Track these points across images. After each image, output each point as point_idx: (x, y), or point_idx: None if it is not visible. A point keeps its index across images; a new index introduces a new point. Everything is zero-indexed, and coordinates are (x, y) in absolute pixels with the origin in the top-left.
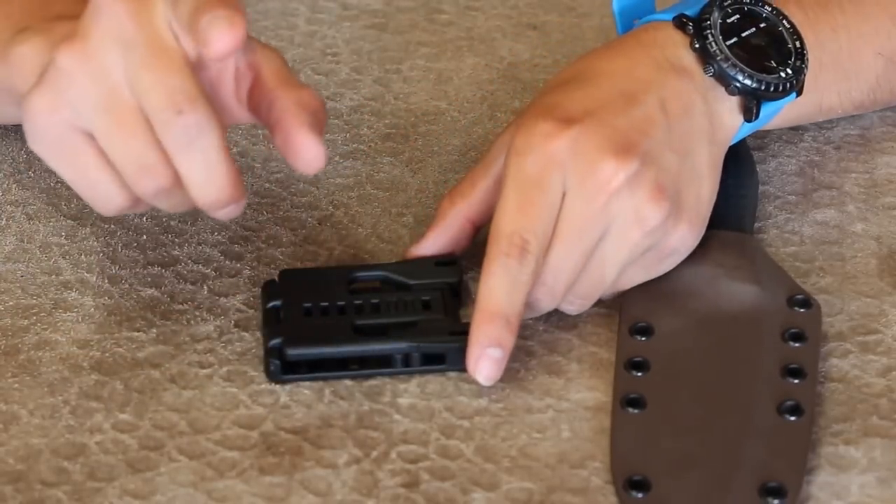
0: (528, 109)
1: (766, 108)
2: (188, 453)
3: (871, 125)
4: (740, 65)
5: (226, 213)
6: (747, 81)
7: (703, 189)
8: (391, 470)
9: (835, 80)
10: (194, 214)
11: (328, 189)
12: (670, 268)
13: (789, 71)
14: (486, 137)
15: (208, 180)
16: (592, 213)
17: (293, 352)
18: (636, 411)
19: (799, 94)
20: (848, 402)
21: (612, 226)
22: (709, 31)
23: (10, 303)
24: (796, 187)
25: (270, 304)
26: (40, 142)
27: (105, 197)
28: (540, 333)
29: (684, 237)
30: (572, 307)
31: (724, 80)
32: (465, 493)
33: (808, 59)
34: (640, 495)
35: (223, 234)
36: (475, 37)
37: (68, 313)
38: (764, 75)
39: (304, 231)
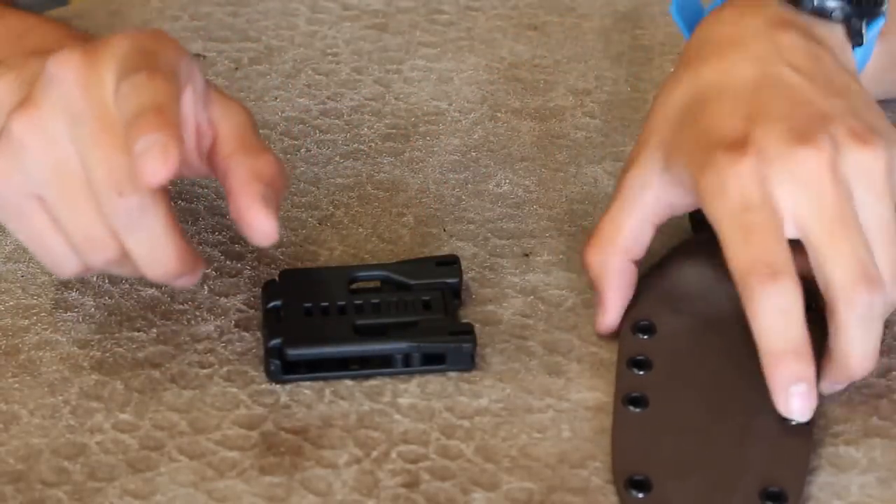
0: (681, 147)
1: (869, 32)
2: (188, 453)
3: None
4: None
5: (180, 284)
6: (840, 6)
7: (875, 104)
8: (391, 470)
9: None
10: (195, 214)
11: (328, 189)
12: None
13: None
14: (486, 138)
15: (154, 258)
16: (827, 205)
17: (293, 352)
18: (638, 410)
19: (886, 17)
20: (848, 403)
21: (857, 204)
22: None
23: (11, 303)
24: None
25: (271, 305)
26: None
27: (58, 262)
28: (540, 333)
29: None
30: None
31: (822, 11)
32: (465, 493)
33: None
34: (640, 495)
35: (224, 234)
36: (475, 37)
37: (69, 313)
38: None
39: (304, 231)
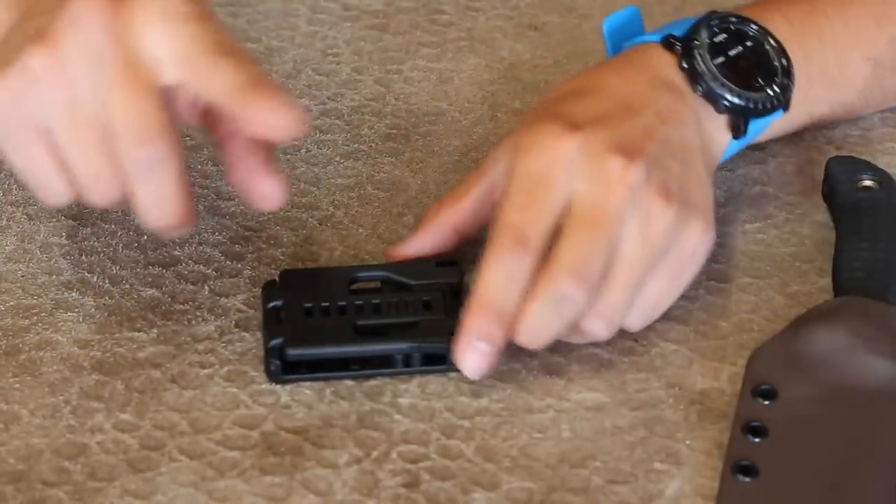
0: (532, 116)
1: (754, 125)
2: (189, 453)
3: (872, 126)
4: (727, 83)
5: (169, 235)
6: (735, 100)
7: (708, 193)
8: (392, 470)
9: (824, 90)
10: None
11: (329, 189)
12: (694, 274)
13: (776, 89)
14: (486, 138)
15: (159, 208)
16: (605, 208)
17: (293, 352)
18: (747, 479)
19: (785, 109)
20: None
21: (623, 228)
22: (696, 51)
23: (11, 303)
24: (796, 187)
25: (271, 305)
26: None
27: (50, 191)
28: None
29: (701, 237)
30: (596, 326)
31: (712, 98)
32: (465, 492)
33: (794, 76)
34: None
35: (224, 234)
36: (476, 37)
37: (69, 313)
38: (751, 93)
39: (304, 231)
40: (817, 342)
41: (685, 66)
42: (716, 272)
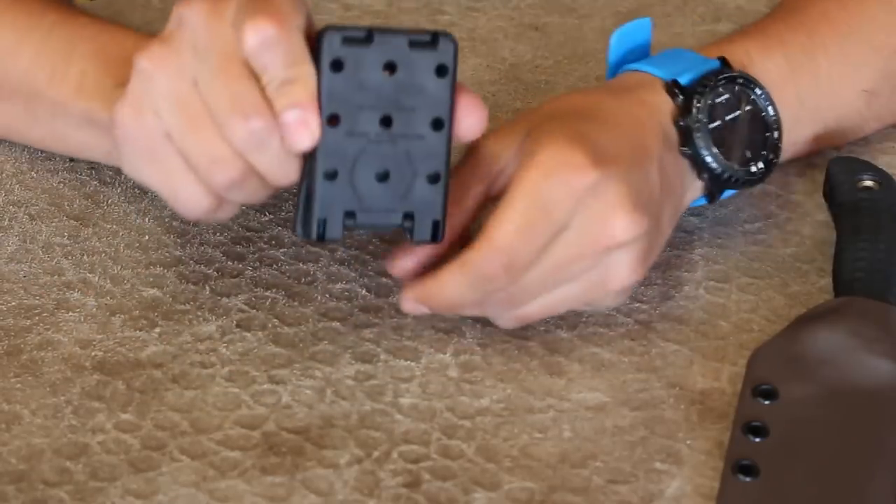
0: (548, 125)
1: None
2: (190, 453)
3: None
4: (716, 154)
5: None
6: (718, 170)
7: (661, 247)
8: (393, 470)
9: (812, 129)
10: None
11: None
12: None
13: (761, 165)
14: None
15: (282, 170)
16: (583, 257)
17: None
18: (747, 479)
19: (763, 181)
20: None
21: (587, 273)
22: (695, 111)
23: (13, 303)
24: (797, 187)
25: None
26: (132, 151)
27: (189, 200)
28: (541, 333)
29: (626, 289)
30: (507, 323)
31: (696, 164)
32: (466, 492)
33: (780, 152)
34: None
35: (225, 234)
36: (477, 38)
37: (71, 313)
38: (735, 167)
39: None
40: (817, 342)
41: (681, 124)
42: (716, 272)
